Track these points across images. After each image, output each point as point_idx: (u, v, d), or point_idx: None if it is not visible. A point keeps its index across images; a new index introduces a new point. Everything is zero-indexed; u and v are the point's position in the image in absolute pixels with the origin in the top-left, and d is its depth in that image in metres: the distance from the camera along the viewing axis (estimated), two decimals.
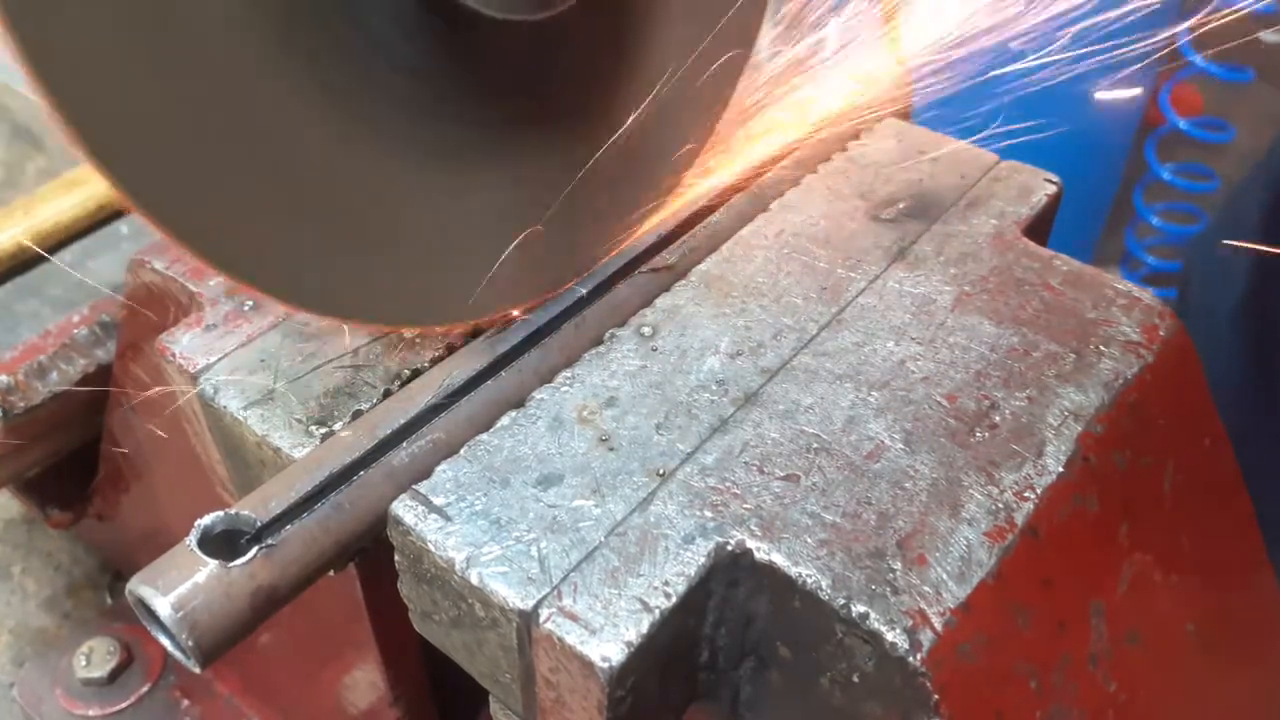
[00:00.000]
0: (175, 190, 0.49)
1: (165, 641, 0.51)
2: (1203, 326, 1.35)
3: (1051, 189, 0.75)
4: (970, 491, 0.54)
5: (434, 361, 0.63)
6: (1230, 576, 0.73)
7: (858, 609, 0.48)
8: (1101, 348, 0.63)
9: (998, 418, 0.58)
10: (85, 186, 1.09)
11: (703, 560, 0.51)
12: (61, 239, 1.08)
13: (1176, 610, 0.64)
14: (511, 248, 0.60)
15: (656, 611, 0.49)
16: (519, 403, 0.60)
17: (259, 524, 0.51)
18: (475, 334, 0.65)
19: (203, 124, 0.49)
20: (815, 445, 0.57)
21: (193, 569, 0.49)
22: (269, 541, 0.51)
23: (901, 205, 0.73)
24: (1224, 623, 0.70)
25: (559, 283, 0.65)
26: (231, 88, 0.50)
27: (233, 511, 0.51)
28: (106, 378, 0.85)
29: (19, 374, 0.85)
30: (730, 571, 0.52)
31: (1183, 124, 2.31)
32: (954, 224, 0.72)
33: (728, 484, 0.54)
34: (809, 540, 0.51)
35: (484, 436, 0.57)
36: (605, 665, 0.47)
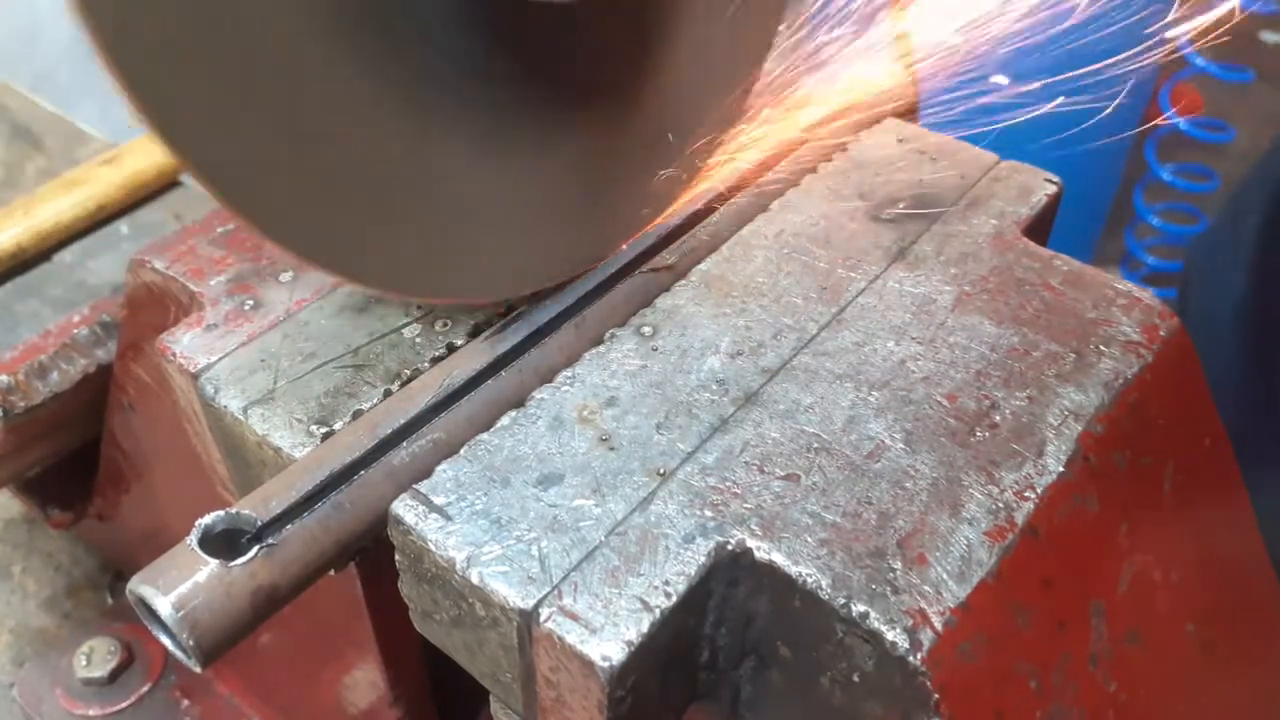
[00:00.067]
0: (248, 176, 0.51)
1: (166, 641, 0.51)
2: (1203, 326, 1.35)
3: (1051, 189, 0.75)
4: (970, 491, 0.54)
5: (434, 361, 0.63)
6: (1230, 577, 0.73)
7: (858, 608, 0.49)
8: (1101, 348, 0.63)
9: (998, 417, 0.58)
10: (85, 186, 1.09)
11: (703, 560, 0.51)
12: (61, 239, 1.08)
13: (1176, 610, 0.64)
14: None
15: (657, 611, 0.49)
16: (519, 402, 0.60)
17: (259, 523, 0.51)
18: (475, 333, 0.65)
19: (273, 117, 0.51)
20: (815, 445, 0.57)
21: (193, 568, 0.49)
22: (269, 541, 0.51)
23: (901, 205, 0.73)
24: (1224, 623, 0.70)
25: (596, 257, 0.67)
26: (301, 82, 0.52)
27: (233, 511, 0.51)
28: (106, 378, 0.85)
29: (19, 374, 0.85)
30: (730, 571, 0.52)
31: (1183, 124, 2.32)
32: (954, 224, 0.72)
33: (728, 483, 0.54)
34: (809, 540, 0.51)
35: (484, 436, 0.57)
36: (605, 665, 0.47)
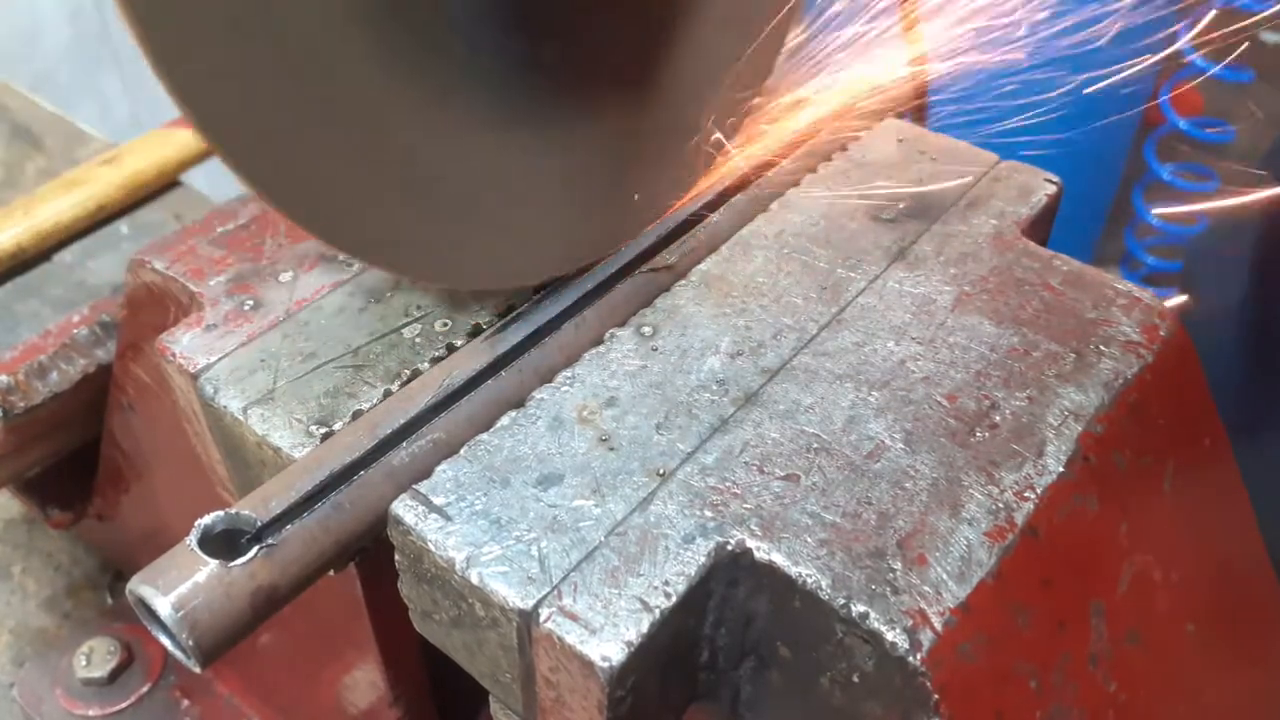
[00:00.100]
0: (269, 153, 0.52)
1: (166, 641, 0.51)
2: (1203, 326, 1.35)
3: (1051, 189, 0.75)
4: (970, 491, 0.54)
5: (434, 361, 0.63)
6: (1230, 577, 0.73)
7: (858, 609, 0.48)
8: (1101, 348, 0.63)
9: (998, 417, 0.58)
10: (85, 186, 1.09)
11: (703, 560, 0.51)
12: (61, 239, 1.08)
13: (1176, 610, 0.64)
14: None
15: (656, 611, 0.49)
16: (519, 403, 0.60)
17: (259, 524, 0.51)
18: (475, 333, 0.65)
19: (312, 112, 0.52)
20: (815, 445, 0.57)
21: (193, 569, 0.49)
22: (269, 541, 0.51)
23: (901, 205, 0.73)
24: (1224, 623, 0.70)
25: (614, 244, 0.68)
26: (340, 83, 0.53)
27: (233, 511, 0.51)
28: (106, 378, 0.85)
29: (19, 374, 0.85)
30: (730, 571, 0.52)
31: (1183, 124, 2.31)
32: (954, 224, 0.72)
33: (728, 484, 0.54)
34: (809, 540, 0.51)
35: (484, 436, 0.57)
36: (605, 665, 0.47)
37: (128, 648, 1.02)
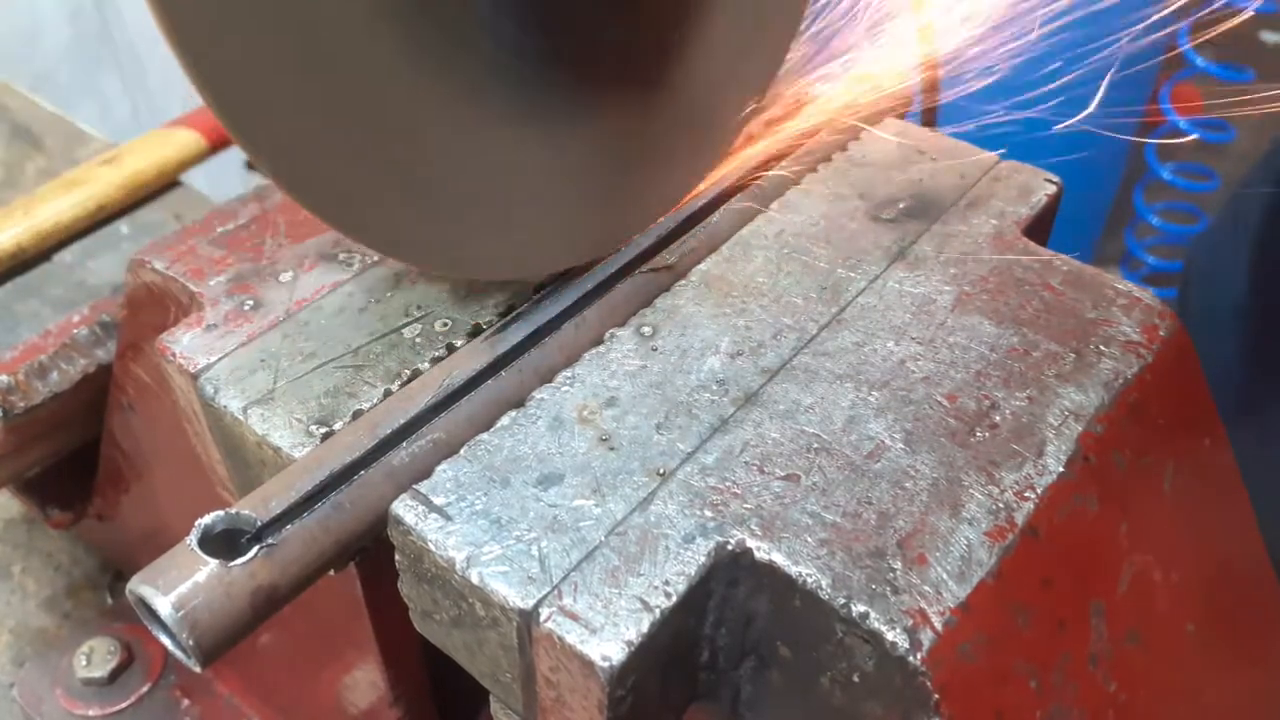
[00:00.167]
0: (283, 140, 0.52)
1: (166, 641, 0.51)
2: (1203, 326, 1.35)
3: (1051, 189, 0.75)
4: (970, 491, 0.54)
5: (434, 361, 0.63)
6: (1230, 576, 0.73)
7: (858, 608, 0.48)
8: (1101, 347, 0.63)
9: (998, 417, 0.58)
10: (85, 186, 1.09)
11: (703, 560, 0.51)
12: (61, 239, 1.08)
13: (1176, 610, 0.64)
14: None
15: (657, 611, 0.49)
16: (519, 402, 0.60)
17: (259, 523, 0.51)
18: (475, 333, 0.65)
19: (338, 106, 0.53)
20: (815, 445, 0.57)
21: (193, 568, 0.49)
22: (269, 541, 0.51)
23: (901, 205, 0.73)
24: (1224, 623, 0.70)
25: (624, 238, 0.69)
26: (367, 77, 0.53)
27: (233, 511, 0.51)
28: (106, 378, 0.85)
29: (19, 374, 0.85)
30: (730, 571, 0.52)
31: (1183, 124, 2.32)
32: (954, 224, 0.72)
33: (728, 484, 0.54)
34: (809, 540, 0.51)
35: (484, 436, 0.57)
36: (605, 665, 0.47)
37: (128, 648, 1.02)
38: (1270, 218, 1.36)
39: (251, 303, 0.67)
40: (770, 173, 0.76)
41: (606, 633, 0.48)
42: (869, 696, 0.50)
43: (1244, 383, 1.38)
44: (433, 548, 0.52)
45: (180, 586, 0.48)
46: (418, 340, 0.65)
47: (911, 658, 0.47)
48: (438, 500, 0.54)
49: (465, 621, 0.53)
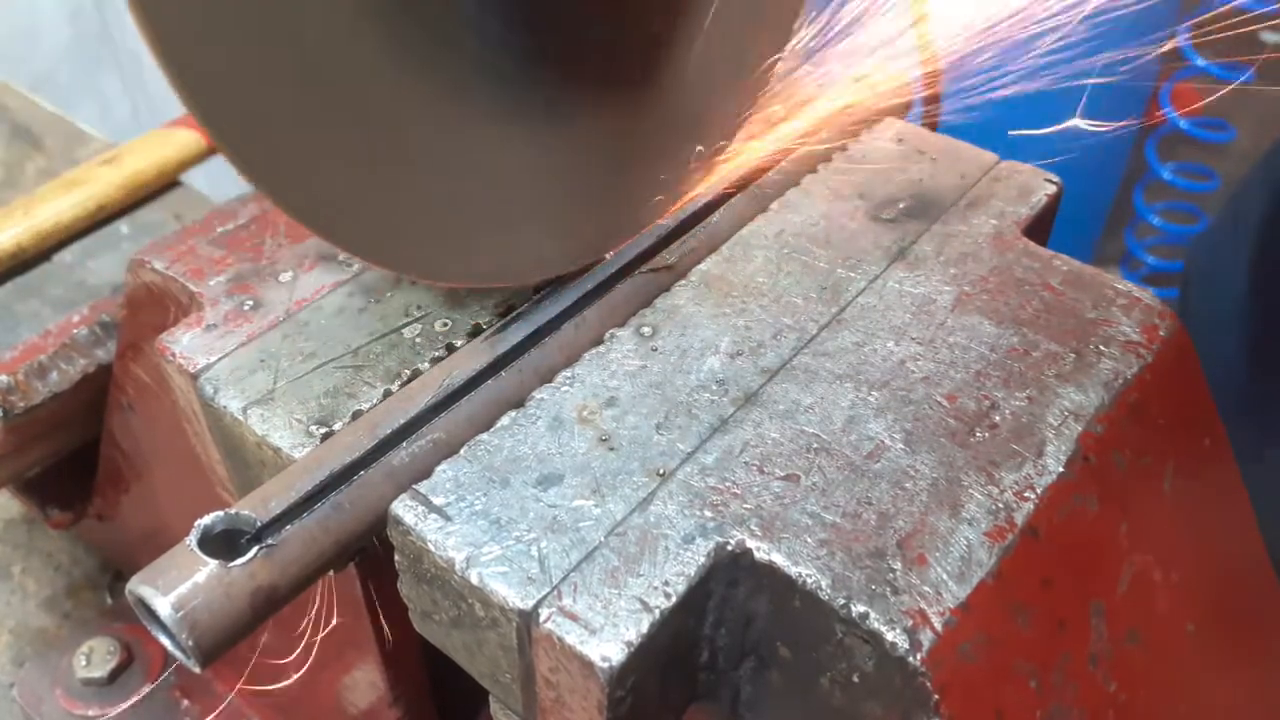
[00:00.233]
0: (291, 166, 0.52)
1: (165, 641, 0.51)
2: (1203, 326, 1.35)
3: (1051, 189, 0.75)
4: (970, 491, 0.54)
5: (434, 361, 0.63)
6: (1230, 577, 0.73)
7: (858, 609, 0.48)
8: (1101, 347, 0.63)
9: (998, 418, 0.58)
10: (85, 186, 1.09)
11: (703, 560, 0.51)
12: (61, 239, 1.08)
13: (1176, 610, 0.64)
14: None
15: (656, 611, 0.49)
16: (519, 403, 0.60)
17: (259, 524, 0.51)
18: (475, 333, 0.65)
19: (322, 109, 0.52)
20: (815, 445, 0.57)
21: (193, 569, 0.49)
22: (269, 541, 0.51)
23: (901, 205, 0.73)
24: (1224, 622, 0.70)
25: (613, 243, 0.68)
26: (351, 79, 0.53)
27: (233, 511, 0.51)
28: (106, 378, 0.85)
29: (19, 374, 0.85)
30: (730, 571, 0.52)
31: (1183, 124, 2.32)
32: (954, 224, 0.72)
33: (728, 484, 0.54)
34: (809, 540, 0.51)
35: (484, 436, 0.57)
36: (605, 665, 0.47)
37: (128, 648, 1.02)
38: (1270, 218, 1.36)
39: (251, 303, 0.67)
40: (770, 173, 0.76)
41: (606, 633, 0.48)
42: (869, 697, 0.50)
43: (1244, 383, 1.38)
44: (432, 548, 0.52)
45: (180, 587, 0.48)
46: (417, 340, 0.65)
47: (911, 658, 0.47)
48: (437, 500, 0.54)
49: (465, 622, 0.53)
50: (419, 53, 0.55)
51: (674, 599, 0.49)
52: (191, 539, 0.50)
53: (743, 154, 0.75)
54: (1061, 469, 0.56)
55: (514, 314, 0.64)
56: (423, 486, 0.54)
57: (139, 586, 0.49)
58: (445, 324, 0.66)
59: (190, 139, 1.14)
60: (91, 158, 1.14)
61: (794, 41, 0.75)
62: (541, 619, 0.49)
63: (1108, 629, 0.58)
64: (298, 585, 0.53)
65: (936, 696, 0.47)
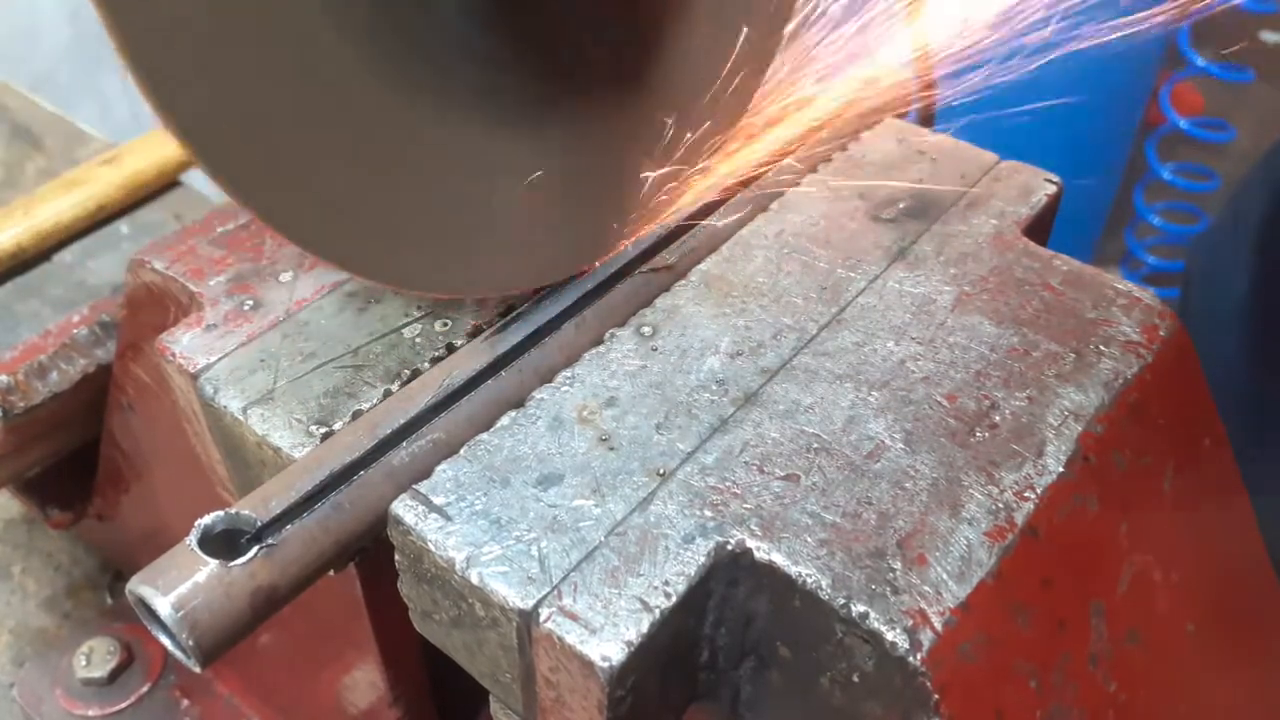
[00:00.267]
0: (251, 163, 0.51)
1: (165, 641, 0.51)
2: (1203, 326, 1.35)
3: (1051, 189, 0.75)
4: (970, 491, 0.54)
5: (434, 361, 0.63)
6: (1230, 576, 0.73)
7: (858, 609, 0.48)
8: (1101, 348, 0.63)
9: (998, 418, 0.58)
10: (85, 186, 1.09)
11: (703, 560, 0.51)
12: (61, 239, 1.08)
13: (1176, 610, 0.64)
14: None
15: (656, 611, 0.49)
16: (519, 402, 0.60)
17: (259, 524, 0.51)
18: (475, 334, 0.65)
19: (299, 120, 0.52)
20: (815, 445, 0.57)
21: (193, 569, 0.49)
22: (269, 541, 0.51)
23: (901, 205, 0.73)
24: (1224, 623, 0.70)
25: (602, 252, 0.68)
26: (328, 89, 0.52)
27: (233, 511, 0.51)
28: (106, 378, 0.85)
29: (19, 374, 0.85)
30: (730, 571, 0.52)
31: (1183, 124, 2.32)
32: (954, 224, 0.72)
33: (728, 484, 0.54)
34: (809, 540, 0.51)
35: (484, 436, 0.57)
36: (605, 665, 0.47)
37: (128, 648, 1.02)
38: (1270, 218, 1.36)
39: (251, 303, 0.67)
40: (770, 173, 0.76)
41: (606, 633, 0.48)
42: (869, 696, 0.50)
43: (1244, 383, 1.38)
44: (433, 548, 0.52)
45: (180, 587, 0.48)
46: (418, 340, 0.65)
47: (911, 658, 0.47)
48: (437, 500, 0.54)
49: (465, 622, 0.53)
50: (398, 58, 0.55)
51: (674, 599, 0.49)
52: (192, 539, 0.50)
53: (741, 155, 0.75)
54: (1061, 469, 0.56)
55: (514, 314, 0.64)
56: (423, 486, 0.54)
57: (139, 586, 0.49)
58: (445, 324, 0.66)
59: None
60: (91, 158, 1.14)
61: (794, 37, 0.75)
62: (542, 619, 0.49)
63: (1108, 629, 0.58)
64: (298, 585, 0.53)
65: (936, 696, 0.47)
